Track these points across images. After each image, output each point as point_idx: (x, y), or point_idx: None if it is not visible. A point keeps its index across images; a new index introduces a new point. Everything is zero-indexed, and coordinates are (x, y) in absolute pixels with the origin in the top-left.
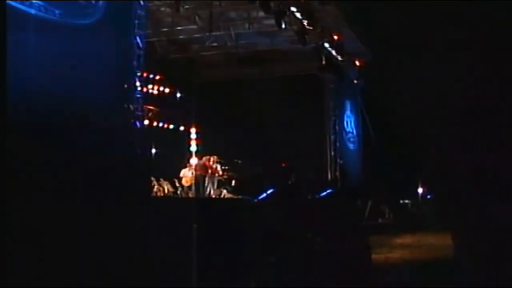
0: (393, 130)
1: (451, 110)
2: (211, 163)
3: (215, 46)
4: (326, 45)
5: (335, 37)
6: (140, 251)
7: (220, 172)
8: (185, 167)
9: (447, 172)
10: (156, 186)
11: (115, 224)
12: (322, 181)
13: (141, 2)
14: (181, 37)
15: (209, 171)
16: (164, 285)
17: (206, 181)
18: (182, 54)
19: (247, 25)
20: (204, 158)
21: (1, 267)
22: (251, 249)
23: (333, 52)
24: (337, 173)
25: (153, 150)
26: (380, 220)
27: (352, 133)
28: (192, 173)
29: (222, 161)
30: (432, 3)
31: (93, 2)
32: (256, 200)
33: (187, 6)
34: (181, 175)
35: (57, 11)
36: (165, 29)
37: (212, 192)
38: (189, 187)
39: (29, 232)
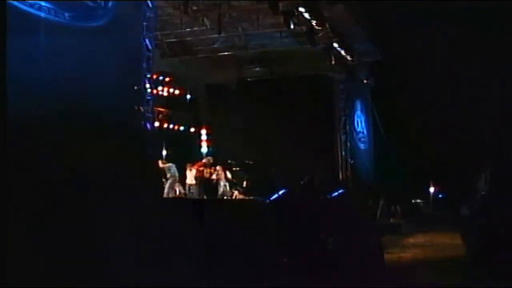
0: (404, 130)
1: (461, 109)
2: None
3: (224, 47)
4: (335, 45)
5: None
6: (152, 251)
7: (222, 174)
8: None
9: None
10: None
11: (127, 226)
12: (333, 181)
13: (150, 4)
14: (190, 38)
15: (205, 172)
16: (178, 285)
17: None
18: (191, 55)
19: (256, 26)
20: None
21: (2, 267)
22: (264, 249)
23: (343, 52)
24: (348, 173)
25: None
26: (392, 220)
27: (363, 133)
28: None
29: (233, 162)
30: (439, 3)
31: (102, 4)
32: (268, 200)
33: (195, 8)
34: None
35: (66, 14)
36: (174, 31)
37: (224, 193)
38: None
39: (36, 232)
